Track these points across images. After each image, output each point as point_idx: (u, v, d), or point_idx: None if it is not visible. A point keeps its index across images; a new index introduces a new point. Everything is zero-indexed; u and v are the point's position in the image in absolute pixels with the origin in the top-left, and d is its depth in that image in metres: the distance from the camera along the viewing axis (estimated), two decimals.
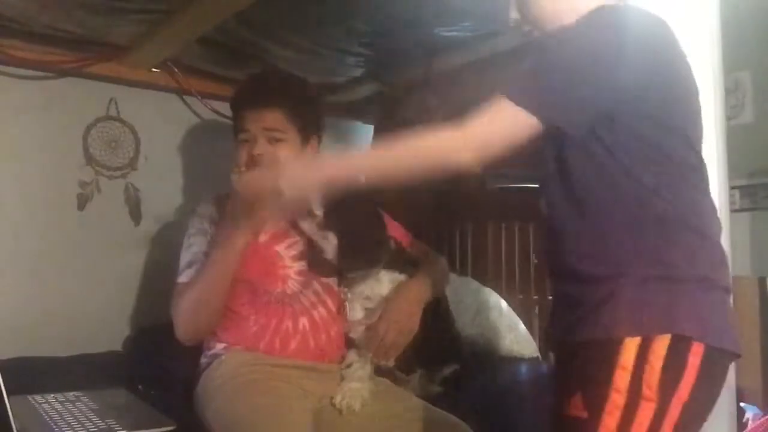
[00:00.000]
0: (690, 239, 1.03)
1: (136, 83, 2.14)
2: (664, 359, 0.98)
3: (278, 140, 1.63)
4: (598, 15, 1.08)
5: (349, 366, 1.59)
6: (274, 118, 1.63)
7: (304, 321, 1.59)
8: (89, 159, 2.12)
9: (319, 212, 1.52)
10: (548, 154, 1.12)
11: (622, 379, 0.99)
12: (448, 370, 1.78)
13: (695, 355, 0.99)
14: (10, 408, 1.11)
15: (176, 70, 2.16)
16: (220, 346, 1.60)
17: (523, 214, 2.38)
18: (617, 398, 0.99)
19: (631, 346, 0.99)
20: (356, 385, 1.55)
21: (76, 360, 1.89)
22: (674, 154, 1.07)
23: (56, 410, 1.35)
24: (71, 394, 1.46)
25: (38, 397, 1.42)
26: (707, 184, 1.13)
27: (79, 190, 2.09)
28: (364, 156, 1.39)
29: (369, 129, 2.76)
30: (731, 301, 1.09)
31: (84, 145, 2.11)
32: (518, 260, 2.48)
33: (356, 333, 1.62)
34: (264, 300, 1.60)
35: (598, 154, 1.05)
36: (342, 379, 1.58)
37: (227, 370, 1.52)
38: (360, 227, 1.57)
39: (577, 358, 1.07)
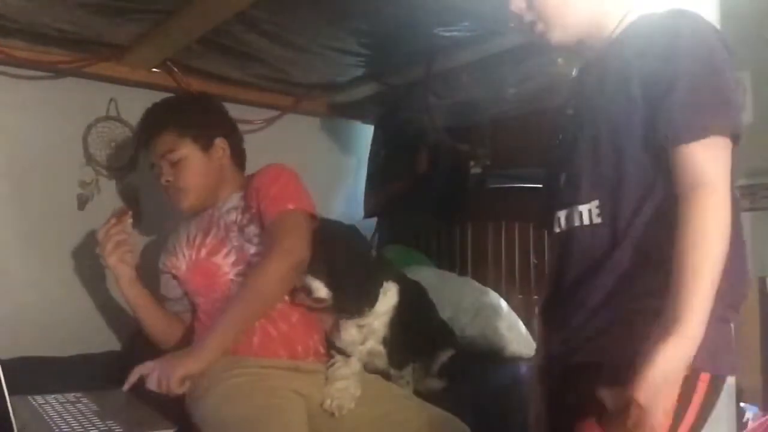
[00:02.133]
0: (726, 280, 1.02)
1: (136, 83, 2.14)
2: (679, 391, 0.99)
3: (177, 160, 1.69)
4: (681, 22, 1.06)
5: (332, 365, 1.60)
6: (164, 141, 1.70)
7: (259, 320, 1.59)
8: (89, 159, 2.12)
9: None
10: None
11: None
12: (444, 357, 1.78)
13: (702, 383, 1.02)
14: (11, 408, 1.11)
15: (176, 70, 2.16)
16: None
17: (523, 214, 2.38)
18: None
19: None
20: (342, 384, 1.55)
21: (76, 360, 1.89)
22: None
23: (57, 411, 1.35)
24: (71, 395, 1.46)
25: (39, 398, 1.42)
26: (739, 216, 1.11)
27: (79, 190, 2.10)
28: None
29: (369, 129, 2.76)
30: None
31: (84, 145, 2.11)
32: (518, 260, 2.48)
33: (353, 352, 1.62)
34: (215, 307, 1.63)
35: None
36: (327, 379, 1.58)
37: (212, 375, 1.52)
38: (348, 275, 1.58)
39: (587, 381, 1.05)
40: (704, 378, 1.02)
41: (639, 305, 1.03)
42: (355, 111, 2.65)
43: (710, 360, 1.01)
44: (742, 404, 1.81)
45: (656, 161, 1.04)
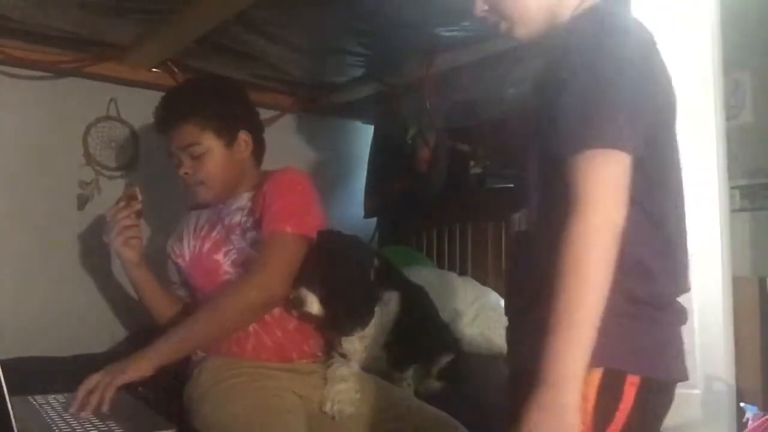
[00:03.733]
0: (637, 277, 0.98)
1: (136, 83, 2.14)
2: (597, 393, 0.95)
3: (199, 154, 1.63)
4: (609, 21, 1.02)
5: (331, 365, 1.59)
6: (186, 133, 1.63)
7: (252, 324, 1.57)
8: (89, 159, 2.12)
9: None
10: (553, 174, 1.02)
11: None
12: (444, 360, 1.78)
13: (631, 387, 0.96)
14: (11, 408, 1.11)
15: (176, 70, 2.16)
16: (200, 354, 1.62)
17: None
18: None
19: None
20: (342, 386, 1.54)
21: (76, 360, 1.89)
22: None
23: (57, 411, 1.35)
24: (72, 394, 1.46)
25: (39, 398, 1.42)
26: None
27: (79, 190, 2.10)
28: None
29: (369, 129, 2.76)
30: (681, 327, 1.05)
31: (84, 145, 2.11)
32: None
33: (355, 359, 1.61)
34: None
35: None
36: (326, 380, 1.57)
37: (210, 376, 1.53)
38: (343, 295, 1.54)
39: (525, 385, 1.00)
40: (632, 381, 0.96)
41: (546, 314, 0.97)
42: (355, 111, 2.65)
43: (636, 362, 0.97)
44: (742, 404, 1.81)
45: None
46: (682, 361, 1.03)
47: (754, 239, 2.25)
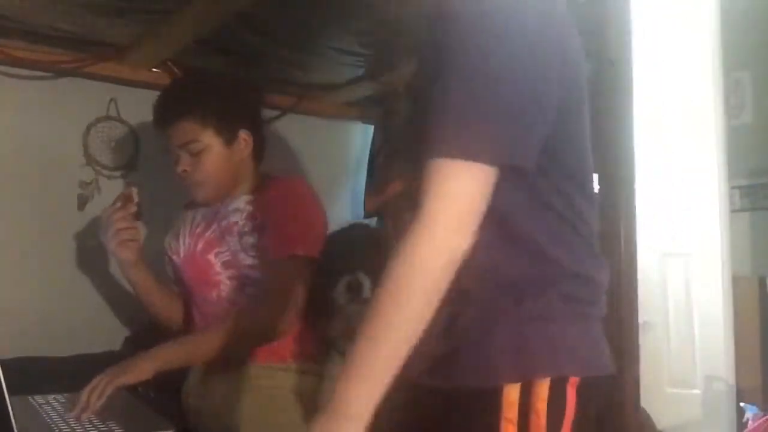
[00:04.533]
0: (567, 278, 0.93)
1: (136, 83, 2.13)
2: (548, 403, 0.89)
3: (198, 151, 1.59)
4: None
5: (327, 364, 1.59)
6: (185, 130, 1.59)
7: None
8: (89, 159, 2.11)
9: None
10: None
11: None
12: None
13: (572, 389, 0.90)
14: (11, 408, 1.11)
15: (176, 70, 2.15)
16: None
17: None
18: None
19: (512, 394, 0.88)
20: None
21: (76, 360, 1.89)
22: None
23: (57, 411, 1.35)
24: (72, 394, 1.46)
25: (39, 398, 1.42)
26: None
27: (79, 190, 2.09)
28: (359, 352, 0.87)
29: (369, 129, 2.76)
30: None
31: (84, 145, 2.11)
32: None
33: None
34: (204, 308, 1.63)
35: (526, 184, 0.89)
36: (324, 378, 1.57)
37: (210, 375, 1.54)
38: None
39: (439, 406, 0.94)
40: (573, 382, 0.90)
41: (480, 330, 0.91)
42: (355, 111, 2.65)
43: (577, 363, 0.92)
44: (742, 404, 1.81)
45: None
46: (609, 356, 0.98)
47: (754, 239, 2.25)
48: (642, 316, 1.75)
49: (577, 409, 0.90)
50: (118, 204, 1.65)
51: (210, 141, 1.59)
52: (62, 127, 2.07)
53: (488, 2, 0.85)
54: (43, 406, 1.38)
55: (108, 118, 2.15)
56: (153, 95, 2.17)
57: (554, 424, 0.89)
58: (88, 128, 2.12)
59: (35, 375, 1.66)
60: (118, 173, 2.16)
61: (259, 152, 1.69)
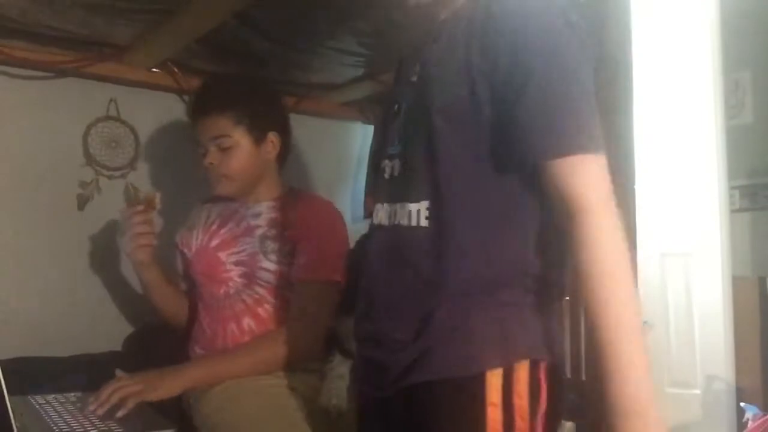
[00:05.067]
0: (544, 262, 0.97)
1: (136, 83, 2.13)
2: (528, 385, 0.94)
3: (227, 147, 1.64)
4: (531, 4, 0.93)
5: (329, 362, 1.59)
6: (218, 125, 1.64)
7: (248, 321, 1.61)
8: (89, 159, 2.12)
9: None
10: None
11: (495, 417, 0.92)
12: None
13: (543, 372, 0.96)
14: (11, 408, 1.11)
15: (176, 70, 2.16)
16: (200, 353, 1.66)
17: None
18: None
19: (495, 379, 0.92)
20: (340, 384, 1.54)
21: (76, 360, 1.89)
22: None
23: (57, 411, 1.35)
24: (72, 394, 1.46)
25: (39, 398, 1.42)
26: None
27: (79, 190, 2.09)
28: None
29: (369, 129, 2.76)
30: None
31: (84, 145, 2.11)
32: None
33: None
34: (210, 303, 1.65)
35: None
36: (325, 377, 1.57)
37: None
38: None
39: (418, 403, 0.96)
40: (543, 366, 0.96)
41: (458, 322, 0.94)
42: (355, 111, 2.65)
43: (548, 347, 0.97)
44: (742, 404, 1.81)
45: (500, 168, 0.94)
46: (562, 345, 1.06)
47: (754, 239, 2.25)
48: (642, 316, 1.75)
49: (549, 390, 0.96)
50: (140, 207, 1.67)
51: (240, 138, 1.64)
52: (62, 127, 2.07)
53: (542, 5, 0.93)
54: (43, 406, 1.38)
55: (108, 118, 2.16)
56: (153, 95, 2.19)
57: (534, 404, 0.94)
58: (88, 128, 2.12)
59: (35, 375, 1.67)
60: (118, 173, 2.16)
61: (283, 157, 1.75)
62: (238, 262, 1.63)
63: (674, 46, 2.20)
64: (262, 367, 1.53)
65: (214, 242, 1.67)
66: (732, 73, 2.16)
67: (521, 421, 0.93)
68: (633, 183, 1.74)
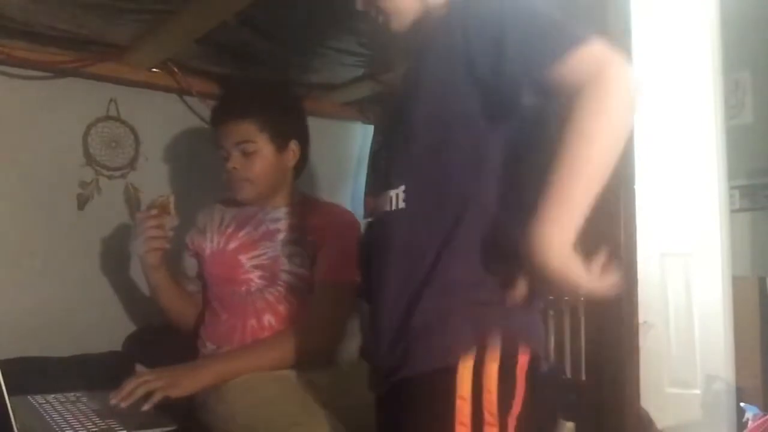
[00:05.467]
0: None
1: (136, 83, 2.13)
2: (498, 381, 0.95)
3: (251, 152, 1.67)
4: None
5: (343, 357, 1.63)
6: (242, 130, 1.67)
7: (269, 317, 1.62)
8: (89, 159, 2.11)
9: None
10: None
11: (463, 410, 0.94)
12: None
13: (521, 370, 0.97)
14: (11, 408, 1.11)
15: (176, 70, 2.16)
16: (211, 348, 1.66)
17: None
18: None
19: (465, 374, 0.95)
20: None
21: (76, 360, 1.89)
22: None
23: (57, 410, 1.35)
24: (72, 394, 1.46)
25: (39, 398, 1.42)
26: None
27: (79, 190, 2.09)
28: None
29: (369, 129, 2.76)
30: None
31: (84, 145, 2.11)
32: None
33: None
34: (230, 297, 1.67)
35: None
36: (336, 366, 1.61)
37: None
38: None
39: (401, 399, 0.99)
40: (522, 362, 0.97)
41: (437, 319, 0.97)
42: (355, 111, 2.65)
43: (522, 342, 0.98)
44: (742, 404, 1.81)
45: (485, 143, 0.99)
46: (545, 341, 1.10)
47: (754, 239, 2.25)
48: (642, 316, 1.75)
49: (526, 388, 0.96)
50: (154, 211, 1.68)
51: (263, 144, 1.68)
52: (62, 127, 2.07)
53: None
54: (43, 405, 1.39)
55: (108, 118, 2.15)
56: (153, 95, 2.19)
57: (505, 400, 0.95)
58: (88, 128, 2.12)
59: (35, 375, 1.67)
60: (118, 173, 2.16)
61: (301, 166, 1.79)
62: (258, 266, 1.65)
63: (674, 46, 2.20)
64: (282, 362, 1.54)
65: (233, 245, 1.69)
66: (732, 73, 2.16)
67: (490, 417, 0.94)
68: (633, 183, 1.74)
